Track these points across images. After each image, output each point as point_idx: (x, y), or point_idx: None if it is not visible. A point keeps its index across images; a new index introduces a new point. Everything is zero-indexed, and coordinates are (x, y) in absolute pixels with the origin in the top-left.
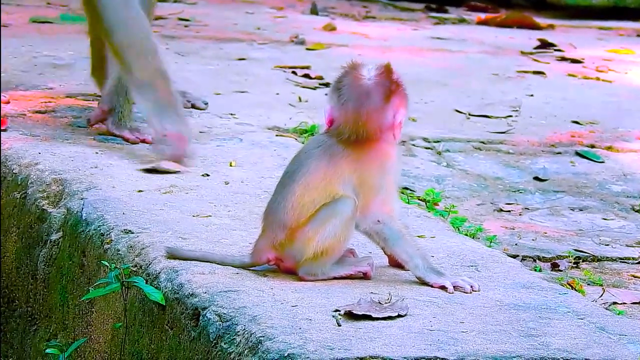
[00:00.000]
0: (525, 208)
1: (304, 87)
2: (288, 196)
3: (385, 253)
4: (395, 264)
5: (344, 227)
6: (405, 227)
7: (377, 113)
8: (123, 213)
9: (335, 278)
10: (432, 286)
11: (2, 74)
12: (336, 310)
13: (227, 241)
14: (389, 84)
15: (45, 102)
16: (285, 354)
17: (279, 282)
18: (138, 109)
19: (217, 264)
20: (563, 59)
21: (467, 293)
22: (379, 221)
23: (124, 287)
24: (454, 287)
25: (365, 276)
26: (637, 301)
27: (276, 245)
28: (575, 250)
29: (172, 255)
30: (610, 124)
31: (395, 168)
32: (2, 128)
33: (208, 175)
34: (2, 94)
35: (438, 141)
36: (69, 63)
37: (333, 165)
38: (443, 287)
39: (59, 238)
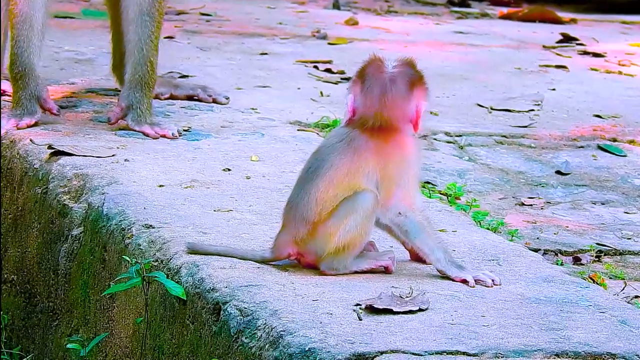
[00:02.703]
0: (547, 202)
1: (325, 81)
2: (311, 191)
3: (405, 247)
4: (416, 258)
5: (365, 221)
6: (427, 220)
7: (401, 101)
8: (144, 208)
9: (356, 272)
10: (453, 280)
11: None
12: (357, 305)
13: (248, 236)
14: (412, 74)
15: (67, 97)
16: (306, 348)
17: (300, 276)
18: None
19: (238, 258)
20: (585, 53)
21: (488, 287)
22: (400, 214)
23: (145, 282)
24: (475, 281)
25: (386, 270)
26: None
27: (298, 240)
28: (597, 244)
29: (193, 250)
30: (632, 118)
31: (417, 161)
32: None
33: (229, 169)
34: None
35: (460, 135)
36: (90, 58)
37: (357, 158)
38: (464, 281)
39: (80, 233)
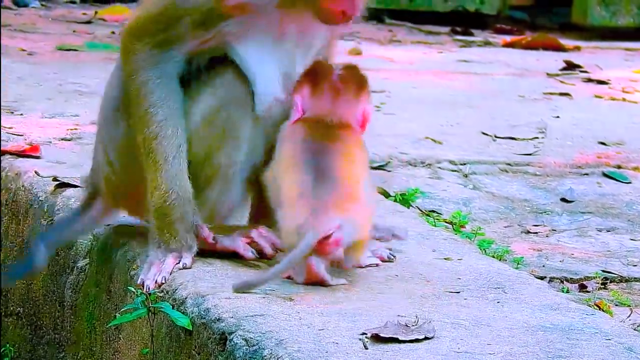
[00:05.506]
0: (553, 229)
1: None
2: (335, 171)
3: None
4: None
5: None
6: None
7: (351, 103)
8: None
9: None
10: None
11: (28, 101)
12: (363, 334)
13: (252, 262)
14: (359, 77)
15: (71, 130)
16: None
17: (305, 306)
18: None
19: (290, 269)
20: (589, 80)
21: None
22: None
23: (150, 313)
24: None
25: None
26: None
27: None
28: (603, 271)
29: (240, 289)
30: (636, 145)
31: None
32: (36, 155)
33: None
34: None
35: (464, 164)
36: (94, 90)
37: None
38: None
39: (86, 264)
